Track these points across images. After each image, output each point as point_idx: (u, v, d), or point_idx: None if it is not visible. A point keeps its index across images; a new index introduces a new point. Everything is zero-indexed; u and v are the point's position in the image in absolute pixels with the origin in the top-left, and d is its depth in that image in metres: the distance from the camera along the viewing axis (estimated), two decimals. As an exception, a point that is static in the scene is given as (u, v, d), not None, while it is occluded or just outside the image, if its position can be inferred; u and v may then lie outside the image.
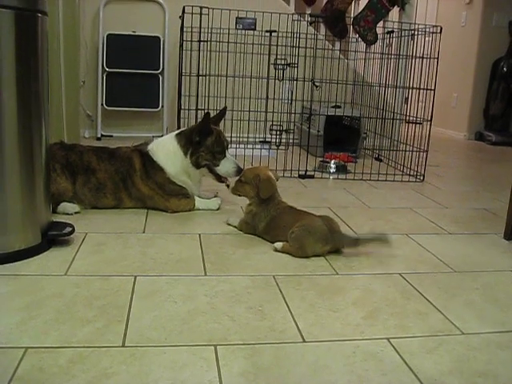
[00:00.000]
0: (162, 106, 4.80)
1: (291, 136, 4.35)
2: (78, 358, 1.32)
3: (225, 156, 2.67)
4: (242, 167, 2.64)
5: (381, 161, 4.30)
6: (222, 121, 3.08)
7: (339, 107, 4.43)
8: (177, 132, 2.77)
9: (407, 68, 4.46)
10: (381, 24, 4.68)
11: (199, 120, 3.75)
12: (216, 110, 4.13)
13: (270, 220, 2.27)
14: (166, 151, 2.67)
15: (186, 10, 3.83)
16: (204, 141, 2.63)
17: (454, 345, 1.51)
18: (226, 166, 2.66)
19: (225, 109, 2.90)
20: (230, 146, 2.78)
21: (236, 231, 2.40)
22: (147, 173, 2.63)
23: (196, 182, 2.75)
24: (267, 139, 4.51)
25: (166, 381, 1.26)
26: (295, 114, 4.29)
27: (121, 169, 2.62)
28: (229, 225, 2.47)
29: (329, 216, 2.22)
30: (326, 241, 2.11)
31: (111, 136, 4.70)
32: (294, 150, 3.89)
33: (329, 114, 4.26)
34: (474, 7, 6.55)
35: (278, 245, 2.16)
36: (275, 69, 4.22)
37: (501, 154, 5.55)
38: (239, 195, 2.41)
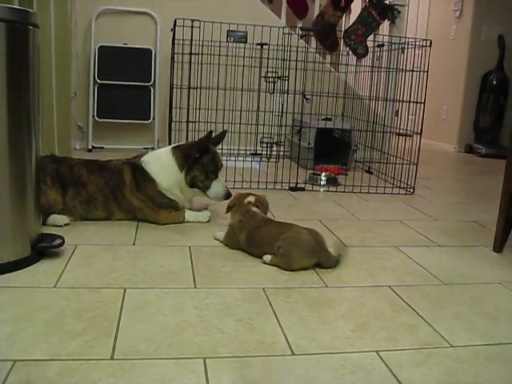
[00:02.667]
0: (153, 118, 4.80)
1: (282, 148, 4.37)
2: (66, 371, 1.32)
3: (217, 177, 2.68)
4: (231, 192, 2.64)
5: (371, 173, 4.32)
6: (214, 133, 3.07)
7: (330, 120, 4.46)
8: (174, 145, 2.77)
9: (397, 81, 4.49)
10: (371, 37, 4.72)
11: (189, 131, 3.80)
12: (207, 122, 4.18)
13: (250, 232, 2.24)
14: (160, 163, 2.67)
15: (177, 23, 3.84)
16: (201, 158, 2.64)
17: (443, 357, 1.51)
18: (216, 187, 2.67)
19: (224, 132, 2.89)
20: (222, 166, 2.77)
21: (226, 243, 2.41)
22: (138, 185, 2.62)
23: (187, 197, 2.75)
24: (258, 151, 4.53)
25: (154, 394, 1.26)
26: (286, 126, 4.30)
27: (110, 181, 2.61)
28: (216, 239, 2.44)
29: (313, 229, 2.20)
30: (313, 254, 2.10)
31: (102, 148, 4.70)
32: (284, 163, 3.91)
33: (319, 126, 4.28)
34: (463, 21, 6.62)
35: (267, 258, 2.15)
36: (266, 81, 4.24)
37: (490, 167, 5.59)
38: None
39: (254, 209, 2.35)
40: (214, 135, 2.75)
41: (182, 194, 2.71)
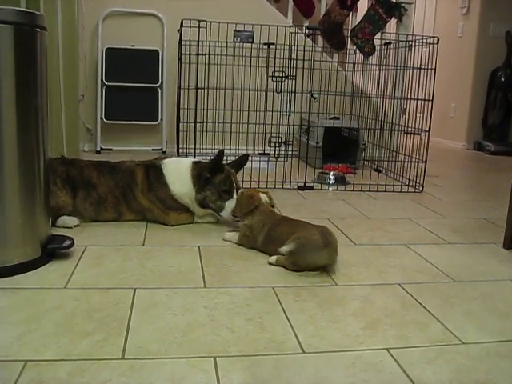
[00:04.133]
0: (161, 119, 4.81)
1: (290, 148, 4.36)
2: (77, 371, 1.32)
3: (231, 198, 2.59)
4: None
5: (380, 172, 4.31)
6: (222, 133, 3.09)
7: (338, 119, 4.45)
8: (195, 160, 2.75)
9: (405, 79, 4.48)
10: (378, 35, 4.70)
11: (197, 132, 3.80)
12: (215, 122, 4.19)
13: (267, 231, 2.23)
14: (178, 172, 2.66)
15: (184, 24, 3.85)
16: (213, 178, 2.60)
17: (454, 355, 1.51)
18: (230, 208, 2.56)
19: (246, 156, 2.84)
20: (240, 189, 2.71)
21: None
22: (150, 185, 2.63)
23: (198, 213, 2.70)
24: (266, 151, 4.52)
25: (165, 393, 1.26)
26: (294, 125, 4.29)
27: (121, 182, 2.62)
28: (225, 241, 2.43)
29: (326, 227, 2.16)
30: (320, 255, 2.04)
31: (111, 149, 4.71)
32: (293, 162, 3.90)
33: (327, 125, 4.27)
34: (470, 18, 6.59)
35: (272, 258, 2.14)
36: (273, 81, 4.24)
37: (499, 164, 5.56)
38: (235, 217, 2.48)
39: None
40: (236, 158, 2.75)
41: (193, 204, 2.66)
